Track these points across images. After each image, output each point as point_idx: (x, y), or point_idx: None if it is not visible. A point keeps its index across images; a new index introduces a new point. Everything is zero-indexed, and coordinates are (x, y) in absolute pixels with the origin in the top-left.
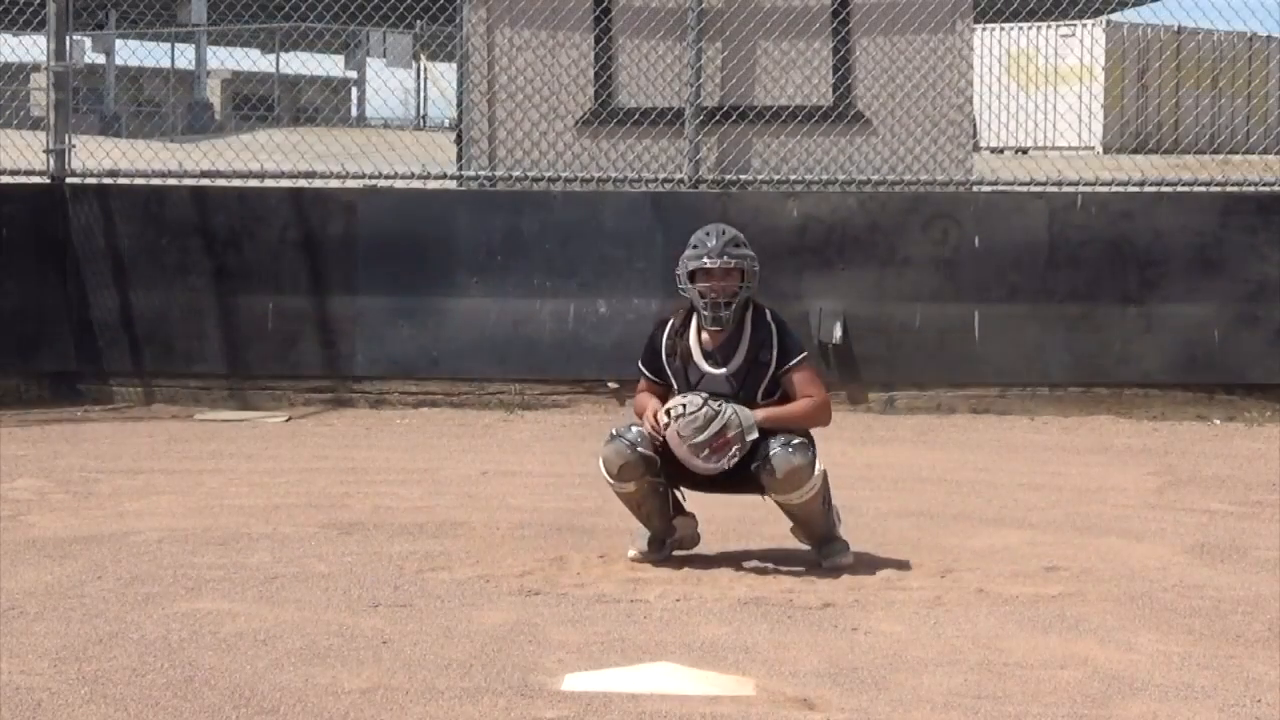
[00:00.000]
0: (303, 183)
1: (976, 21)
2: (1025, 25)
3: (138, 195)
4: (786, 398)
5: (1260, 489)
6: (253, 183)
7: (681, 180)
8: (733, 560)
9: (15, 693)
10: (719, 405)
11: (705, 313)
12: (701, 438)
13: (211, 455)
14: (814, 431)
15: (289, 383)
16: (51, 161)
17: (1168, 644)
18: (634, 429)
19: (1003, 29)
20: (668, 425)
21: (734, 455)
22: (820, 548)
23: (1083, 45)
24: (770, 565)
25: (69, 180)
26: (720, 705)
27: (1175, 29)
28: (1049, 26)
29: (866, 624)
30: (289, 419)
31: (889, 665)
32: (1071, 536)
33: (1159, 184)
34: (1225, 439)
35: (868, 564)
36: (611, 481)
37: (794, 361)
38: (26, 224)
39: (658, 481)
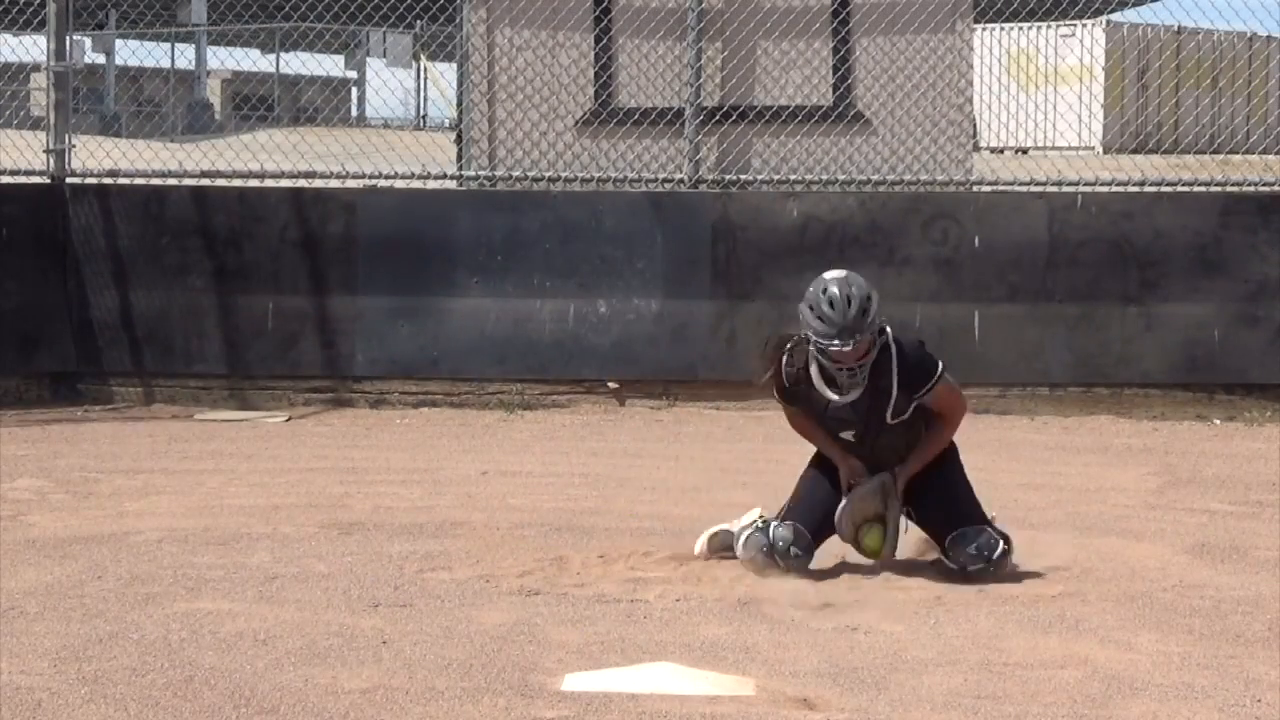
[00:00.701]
0: (303, 183)
1: (977, 21)
2: (1025, 25)
3: (138, 195)
4: (917, 422)
5: (1260, 489)
6: (253, 183)
7: (681, 180)
8: (733, 560)
9: (15, 693)
10: (882, 504)
11: (843, 380)
12: (860, 517)
13: (211, 455)
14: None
15: (289, 383)
16: (51, 161)
17: (1168, 644)
18: (782, 537)
19: (1003, 29)
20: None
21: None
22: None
23: (1083, 45)
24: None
25: (69, 180)
26: (720, 705)
27: (1175, 29)
28: (1049, 26)
29: (866, 624)
30: (289, 419)
31: (889, 665)
32: (1071, 536)
33: (1159, 184)
34: (1225, 439)
35: (867, 564)
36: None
37: (931, 385)
38: (26, 224)
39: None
